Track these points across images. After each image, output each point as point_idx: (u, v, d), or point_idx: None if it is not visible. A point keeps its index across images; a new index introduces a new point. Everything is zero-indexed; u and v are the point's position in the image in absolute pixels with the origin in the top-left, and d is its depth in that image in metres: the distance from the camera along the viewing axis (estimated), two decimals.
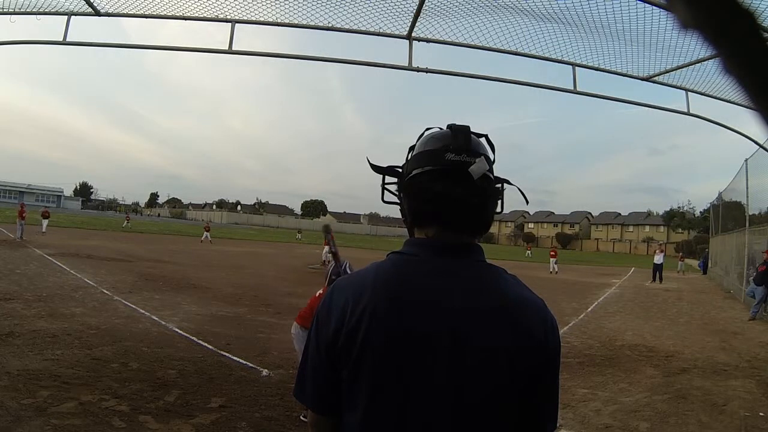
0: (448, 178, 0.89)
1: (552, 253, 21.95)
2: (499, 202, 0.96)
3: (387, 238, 64.96)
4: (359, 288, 0.88)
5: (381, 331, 0.84)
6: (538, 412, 0.88)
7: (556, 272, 20.60)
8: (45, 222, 20.50)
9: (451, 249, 0.90)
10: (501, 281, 0.90)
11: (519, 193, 1.02)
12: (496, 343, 0.84)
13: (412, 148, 0.97)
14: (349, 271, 3.80)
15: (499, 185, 0.96)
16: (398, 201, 0.98)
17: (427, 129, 0.98)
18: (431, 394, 0.83)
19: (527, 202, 1.03)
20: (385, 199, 0.99)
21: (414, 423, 0.83)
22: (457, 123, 0.96)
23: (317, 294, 3.91)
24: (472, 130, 0.95)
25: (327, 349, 0.88)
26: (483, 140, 0.96)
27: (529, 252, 40.70)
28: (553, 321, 0.91)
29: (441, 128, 0.97)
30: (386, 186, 0.99)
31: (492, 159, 0.96)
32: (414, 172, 0.92)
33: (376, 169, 0.99)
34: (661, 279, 18.77)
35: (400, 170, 0.98)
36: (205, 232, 25.71)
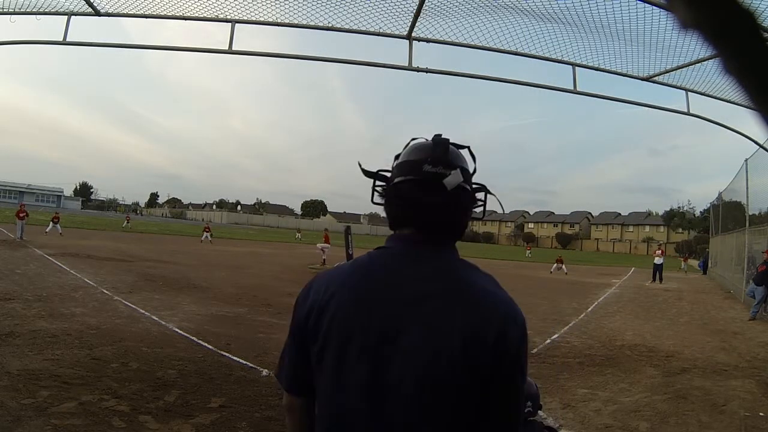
0: (424, 187, 0.95)
1: (559, 260, 22.19)
2: (481, 209, 1.03)
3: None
4: (336, 276, 0.97)
5: (343, 312, 0.91)
6: (497, 410, 0.88)
7: (566, 273, 20.83)
8: (51, 225, 20.51)
9: (424, 242, 0.97)
10: (468, 273, 0.95)
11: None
12: (452, 333, 0.86)
13: (397, 157, 1.03)
14: None
15: (481, 193, 1.02)
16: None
17: (413, 139, 1.04)
18: (387, 380, 0.87)
19: (503, 210, 1.09)
20: (374, 200, 1.05)
21: (369, 407, 0.87)
22: (442, 135, 1.01)
23: None
24: (453, 141, 1.00)
25: (299, 329, 0.96)
26: (465, 151, 1.02)
27: (529, 252, 40.70)
28: (517, 317, 0.91)
29: (426, 139, 1.02)
30: (376, 189, 1.05)
31: (472, 169, 1.02)
32: (395, 180, 0.99)
33: (366, 173, 1.05)
34: (661, 279, 18.78)
35: (388, 175, 1.03)
36: (205, 233, 25.64)
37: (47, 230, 20.16)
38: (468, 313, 0.88)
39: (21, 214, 17.30)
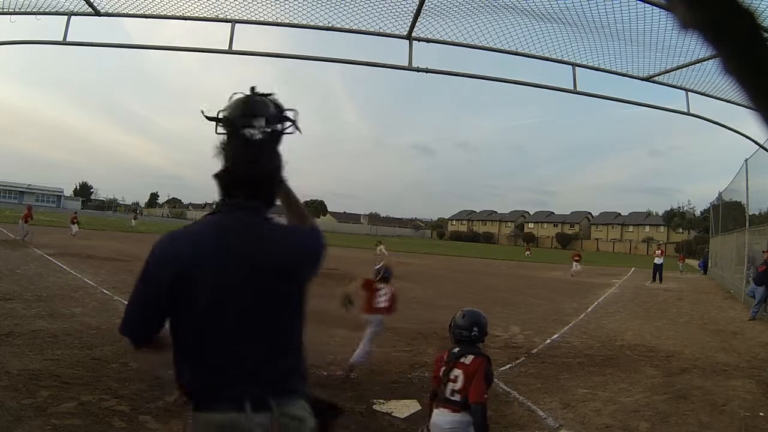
0: (241, 149, 1.34)
1: (576, 258, 21.16)
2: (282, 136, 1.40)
3: (387, 238, 64.89)
4: (189, 245, 1.32)
5: (209, 275, 1.27)
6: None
7: (572, 275, 19.74)
8: (74, 227, 20.74)
9: (250, 210, 1.36)
10: (280, 226, 1.41)
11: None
12: (276, 263, 1.33)
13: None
14: (387, 275, 5.00)
15: (284, 123, 1.39)
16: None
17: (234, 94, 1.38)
18: (247, 314, 1.30)
19: (300, 132, 1.44)
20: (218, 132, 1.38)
21: (238, 336, 1.30)
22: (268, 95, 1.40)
23: (368, 282, 4.92)
24: (259, 93, 1.37)
25: (171, 287, 1.26)
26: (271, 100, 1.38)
27: (529, 252, 40.55)
28: (320, 237, 1.46)
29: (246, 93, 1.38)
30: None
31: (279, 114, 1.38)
32: (222, 138, 1.37)
33: (208, 118, 1.37)
34: (661, 279, 18.74)
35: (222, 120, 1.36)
36: None
37: (73, 233, 20.25)
38: (286, 250, 1.38)
39: (28, 219, 17.04)
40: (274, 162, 1.39)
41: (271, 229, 1.37)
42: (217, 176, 1.36)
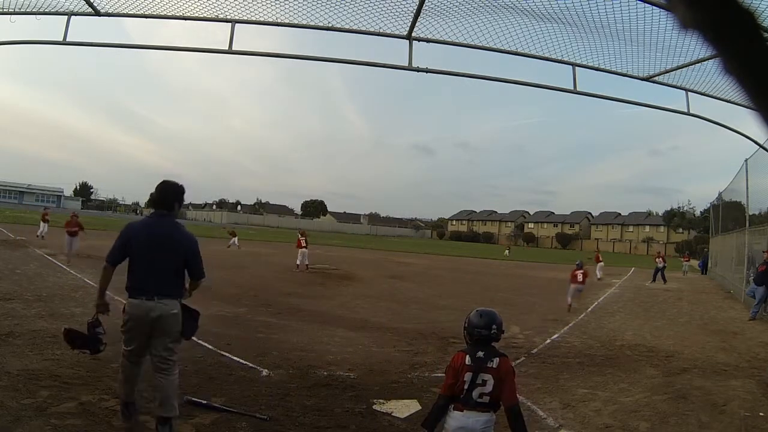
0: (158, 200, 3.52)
1: (597, 260, 20.52)
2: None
3: (387, 238, 64.92)
4: (136, 228, 3.40)
5: (139, 240, 3.30)
6: (192, 268, 3.43)
7: (599, 278, 18.91)
8: (44, 225, 17.45)
9: (161, 215, 3.42)
10: (178, 227, 3.44)
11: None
12: (173, 244, 3.34)
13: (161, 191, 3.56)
14: (580, 265, 10.66)
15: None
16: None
17: (164, 182, 3.54)
18: (152, 260, 3.25)
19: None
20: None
21: (147, 269, 3.23)
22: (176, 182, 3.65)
23: (574, 272, 10.35)
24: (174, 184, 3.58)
25: (125, 243, 3.30)
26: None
27: (507, 251, 39.86)
28: (192, 237, 3.49)
29: (177, 182, 3.61)
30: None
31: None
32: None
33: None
34: (664, 279, 18.58)
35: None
36: (233, 238, 23.14)
37: (42, 233, 17.14)
38: (178, 239, 3.38)
39: (75, 230, 12.96)
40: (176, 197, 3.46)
41: (173, 227, 3.38)
42: (150, 199, 3.08)
